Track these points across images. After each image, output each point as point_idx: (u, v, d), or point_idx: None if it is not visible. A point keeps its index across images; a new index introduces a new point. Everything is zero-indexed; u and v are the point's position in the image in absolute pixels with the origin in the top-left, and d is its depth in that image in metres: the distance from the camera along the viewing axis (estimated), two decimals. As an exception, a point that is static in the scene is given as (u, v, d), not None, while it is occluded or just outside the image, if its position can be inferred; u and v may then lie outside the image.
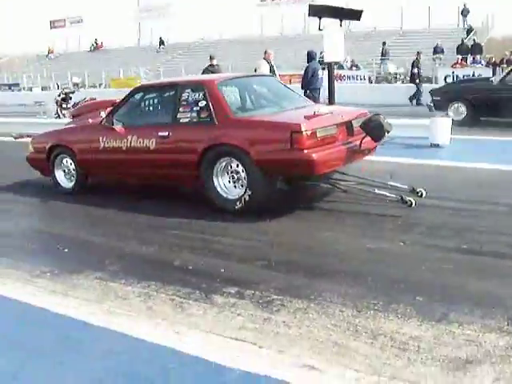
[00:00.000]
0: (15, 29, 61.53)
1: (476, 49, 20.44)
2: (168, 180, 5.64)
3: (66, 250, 4.41)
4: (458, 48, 21.75)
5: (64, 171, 6.30)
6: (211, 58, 11.30)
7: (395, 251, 4.00)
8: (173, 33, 38.77)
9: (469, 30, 25.04)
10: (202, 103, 5.16)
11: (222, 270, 3.78)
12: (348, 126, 5.20)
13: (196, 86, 5.36)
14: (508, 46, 24.50)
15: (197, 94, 5.22)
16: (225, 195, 5.09)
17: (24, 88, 32.66)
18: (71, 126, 6.65)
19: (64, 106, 13.04)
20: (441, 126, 8.12)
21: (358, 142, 5.15)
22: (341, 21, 8.83)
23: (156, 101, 5.77)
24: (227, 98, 5.21)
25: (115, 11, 43.14)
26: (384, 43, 24.36)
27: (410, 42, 28.37)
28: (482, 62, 20.11)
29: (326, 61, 8.82)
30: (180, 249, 4.31)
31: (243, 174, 4.98)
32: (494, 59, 19.88)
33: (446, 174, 6.52)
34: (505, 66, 17.98)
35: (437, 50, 23.58)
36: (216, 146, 5.02)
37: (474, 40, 21.63)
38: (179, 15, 39.26)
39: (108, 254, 4.24)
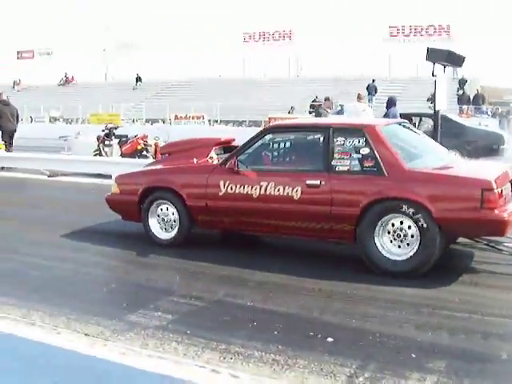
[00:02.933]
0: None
1: (479, 99, 21.15)
2: (313, 234, 5.13)
3: (331, 340, 3.46)
4: (459, 98, 22.50)
5: (163, 219, 5.71)
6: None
7: None
8: (145, 70, 39.18)
9: (461, 81, 26.06)
10: (365, 150, 4.79)
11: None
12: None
13: (354, 130, 4.99)
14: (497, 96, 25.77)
15: (356, 140, 4.86)
16: (388, 256, 4.69)
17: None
18: (168, 165, 6.09)
19: (107, 142, 12.22)
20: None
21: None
22: (444, 67, 8.66)
23: (298, 144, 5.34)
24: (394, 145, 4.90)
25: (85, 45, 43.14)
26: (373, 80, 24.96)
27: (399, 89, 29.30)
28: (489, 112, 20.83)
29: (437, 109, 8.50)
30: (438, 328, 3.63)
31: (410, 232, 4.63)
32: (500, 110, 20.66)
33: None
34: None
35: (432, 99, 24.26)
36: (385, 199, 4.68)
37: (477, 90, 22.47)
38: (151, 53, 39.63)
39: (383, 345, 3.39)
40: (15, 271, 5.03)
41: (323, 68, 37.34)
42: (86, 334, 3.55)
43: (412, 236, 4.60)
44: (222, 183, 5.30)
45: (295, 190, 4.95)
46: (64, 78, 41.64)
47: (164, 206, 5.70)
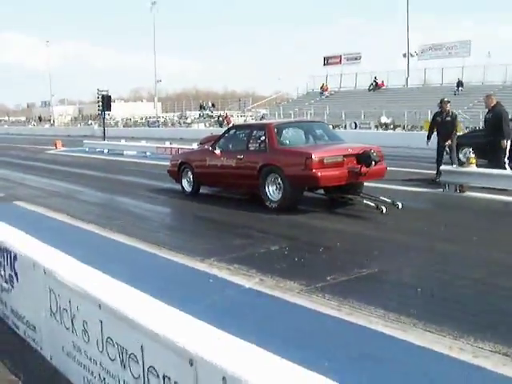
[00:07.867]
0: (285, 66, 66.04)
1: None
2: (241, 186, 9.62)
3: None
4: None
5: (187, 180, 10.66)
6: None
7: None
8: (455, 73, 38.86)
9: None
10: (262, 138, 9.08)
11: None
12: (357, 156, 8.72)
13: (261, 127, 9.35)
14: None
15: (260, 132, 9.19)
16: (271, 197, 8.87)
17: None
18: (195, 150, 11.12)
19: None
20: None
21: (358, 168, 8.63)
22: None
23: (240, 135, 9.76)
24: (278, 135, 9.09)
25: (392, 49, 43.69)
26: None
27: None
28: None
29: None
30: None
31: (281, 184, 8.77)
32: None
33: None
34: None
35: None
36: (266, 165, 8.88)
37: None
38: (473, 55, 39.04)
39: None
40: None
41: None
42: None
43: (281, 186, 8.76)
44: (207, 158, 10.01)
45: (233, 161, 9.43)
46: (374, 83, 43.55)
47: (186, 172, 10.65)
